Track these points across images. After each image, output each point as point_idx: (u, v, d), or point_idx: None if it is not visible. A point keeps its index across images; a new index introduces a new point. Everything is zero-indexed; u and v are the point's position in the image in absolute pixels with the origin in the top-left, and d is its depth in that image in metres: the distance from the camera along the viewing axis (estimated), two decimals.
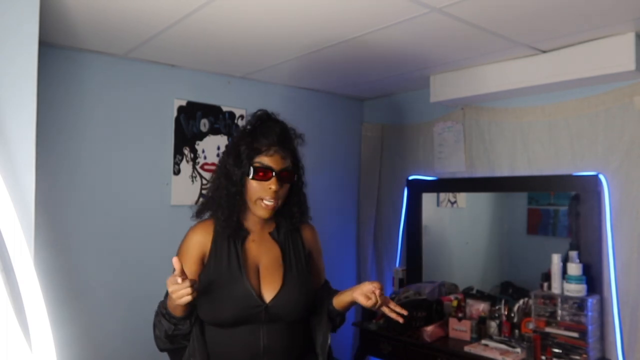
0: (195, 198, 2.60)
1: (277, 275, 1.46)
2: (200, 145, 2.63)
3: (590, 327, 2.07)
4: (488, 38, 2.02)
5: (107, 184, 2.33)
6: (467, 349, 2.28)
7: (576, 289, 2.12)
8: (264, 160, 1.43)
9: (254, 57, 2.38)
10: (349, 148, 3.32)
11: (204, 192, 2.64)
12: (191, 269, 1.45)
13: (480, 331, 2.43)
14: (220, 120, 2.71)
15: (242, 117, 2.78)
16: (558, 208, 2.63)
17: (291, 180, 1.48)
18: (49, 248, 2.00)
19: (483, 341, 2.33)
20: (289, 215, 1.54)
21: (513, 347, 2.24)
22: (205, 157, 2.65)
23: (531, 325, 2.23)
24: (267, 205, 1.43)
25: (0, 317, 1.34)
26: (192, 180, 2.60)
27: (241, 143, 1.46)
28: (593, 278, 2.18)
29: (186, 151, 2.58)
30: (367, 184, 3.32)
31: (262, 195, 1.43)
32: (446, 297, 2.70)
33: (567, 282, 2.14)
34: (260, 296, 1.42)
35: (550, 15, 1.79)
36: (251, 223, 1.52)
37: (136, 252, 2.40)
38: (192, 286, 1.25)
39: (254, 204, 1.45)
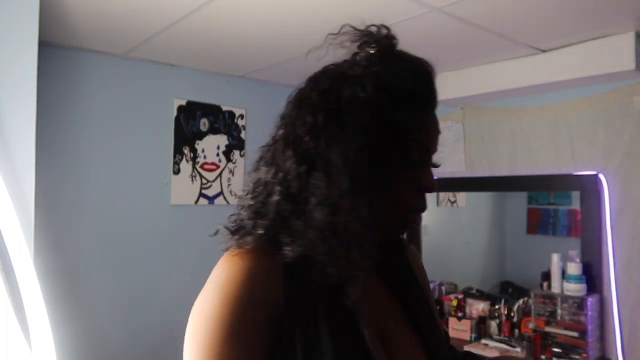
0: (196, 198, 2.60)
1: (415, 347, 0.77)
2: (200, 145, 2.63)
3: (590, 327, 2.07)
4: (488, 38, 2.02)
5: (107, 183, 2.33)
6: (467, 348, 2.27)
7: (576, 289, 2.12)
8: (430, 136, 0.77)
9: (254, 57, 2.38)
10: None
11: (204, 191, 2.64)
12: (252, 346, 0.64)
13: (480, 331, 2.43)
14: (220, 120, 2.70)
15: (242, 116, 2.78)
16: (558, 208, 2.63)
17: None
18: (49, 248, 2.00)
19: (483, 341, 2.34)
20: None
21: (513, 346, 2.24)
22: (205, 157, 2.65)
23: (531, 325, 2.23)
24: (417, 216, 0.79)
25: (0, 317, 1.34)
26: (192, 180, 2.60)
27: (394, 101, 0.72)
28: (593, 278, 2.18)
29: (186, 151, 2.58)
30: None
31: (417, 201, 0.77)
32: (446, 296, 2.70)
33: (567, 281, 2.14)
34: None
35: (551, 15, 1.79)
36: None
37: (136, 252, 2.40)
38: None
39: (397, 218, 0.76)
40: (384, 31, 0.82)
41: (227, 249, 0.71)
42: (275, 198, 0.70)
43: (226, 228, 0.77)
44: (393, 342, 0.74)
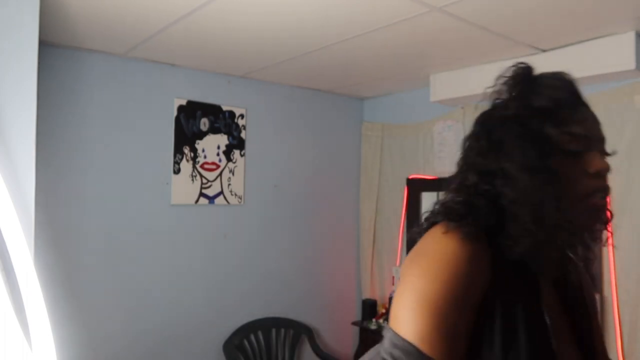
0: (196, 197, 2.60)
1: (601, 346, 0.90)
2: (200, 145, 2.63)
3: None
4: (488, 37, 2.02)
5: (107, 183, 2.33)
6: None
7: None
8: (587, 126, 0.85)
9: (254, 57, 2.38)
10: (349, 147, 3.32)
11: (204, 191, 2.64)
12: (468, 324, 0.75)
13: None
14: (220, 119, 2.70)
15: (242, 116, 2.78)
16: None
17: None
18: (49, 248, 2.00)
19: None
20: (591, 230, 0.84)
21: None
22: (205, 157, 2.65)
23: None
24: (603, 198, 0.82)
25: (1, 317, 1.34)
26: (192, 180, 2.60)
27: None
28: (593, 277, 2.18)
29: (186, 150, 2.58)
30: (367, 183, 3.32)
31: (596, 184, 0.81)
32: None
33: None
34: None
35: (551, 15, 1.79)
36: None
37: (136, 251, 2.40)
38: None
39: (585, 206, 0.81)
40: (520, 64, 0.91)
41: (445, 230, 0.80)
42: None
43: (445, 211, 0.84)
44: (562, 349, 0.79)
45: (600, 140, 0.85)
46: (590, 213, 0.82)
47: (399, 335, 0.73)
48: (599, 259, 2.19)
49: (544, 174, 0.78)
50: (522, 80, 0.88)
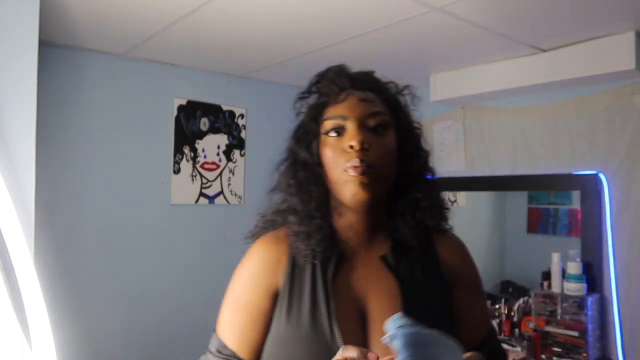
0: (196, 197, 2.60)
1: None
2: (200, 144, 2.63)
3: (590, 326, 2.07)
4: (488, 37, 2.02)
5: (107, 183, 2.33)
6: None
7: (576, 288, 2.11)
8: (333, 110, 0.92)
9: (254, 56, 2.38)
10: None
11: (204, 191, 2.64)
12: (259, 309, 0.91)
13: None
14: (220, 119, 2.70)
15: (242, 116, 2.78)
16: (558, 207, 2.63)
17: (386, 129, 0.91)
18: (49, 248, 2.00)
19: None
20: (409, 214, 0.93)
21: (513, 346, 2.24)
22: (205, 156, 2.65)
23: (531, 324, 2.23)
24: (354, 171, 0.85)
25: (1, 317, 1.34)
26: (192, 179, 2.60)
27: (304, 111, 1.01)
28: (593, 277, 2.18)
29: (186, 150, 2.58)
30: None
31: (343, 162, 0.86)
32: None
33: (567, 281, 2.14)
34: None
35: (551, 14, 1.78)
36: (349, 236, 0.93)
37: (136, 251, 2.40)
38: None
39: (341, 183, 0.87)
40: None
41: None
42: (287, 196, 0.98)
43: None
44: (370, 313, 0.87)
45: (347, 117, 0.93)
46: (345, 189, 0.91)
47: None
48: (598, 258, 2.19)
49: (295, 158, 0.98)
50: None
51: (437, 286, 0.92)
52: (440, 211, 0.97)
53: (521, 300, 2.40)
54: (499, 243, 2.98)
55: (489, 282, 2.82)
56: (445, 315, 0.91)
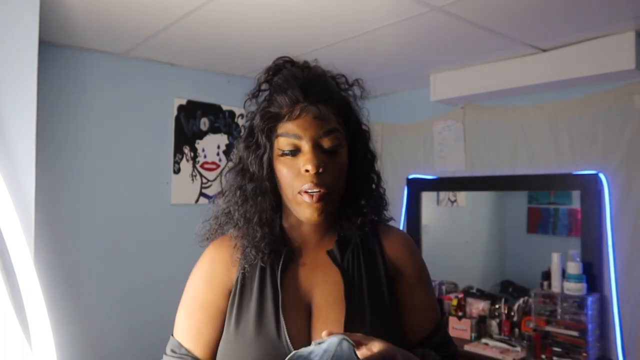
0: (196, 197, 2.60)
1: (337, 320, 0.89)
2: (200, 144, 2.63)
3: (590, 326, 2.07)
4: (488, 37, 2.02)
5: (107, 182, 2.33)
6: (467, 348, 2.28)
7: (576, 288, 2.11)
8: (287, 127, 0.91)
9: (254, 56, 2.38)
10: None
11: (204, 191, 2.64)
12: (216, 307, 0.95)
13: (480, 330, 2.43)
14: (220, 119, 2.71)
15: (242, 115, 2.78)
16: (558, 207, 2.63)
17: (340, 147, 0.92)
18: (49, 247, 2.00)
19: (483, 340, 2.34)
20: (355, 214, 0.96)
21: (513, 346, 2.24)
22: (205, 156, 2.65)
23: (531, 324, 2.23)
24: (310, 198, 0.87)
25: (1, 317, 1.34)
26: (192, 179, 2.60)
27: (253, 115, 1.03)
28: (593, 277, 2.18)
29: (186, 150, 2.58)
30: None
31: (298, 185, 0.88)
32: (446, 296, 2.70)
33: (567, 280, 2.14)
34: None
35: (551, 14, 1.79)
36: (298, 235, 0.97)
37: (136, 251, 2.40)
38: None
39: (295, 203, 0.90)
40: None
41: None
42: (233, 204, 1.01)
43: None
44: (316, 306, 0.92)
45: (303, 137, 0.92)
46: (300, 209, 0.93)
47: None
48: (598, 258, 2.19)
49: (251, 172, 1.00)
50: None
51: (380, 278, 0.96)
52: (378, 209, 1.01)
53: (521, 300, 2.40)
54: (499, 243, 2.98)
55: (488, 282, 2.82)
56: (386, 306, 0.94)
